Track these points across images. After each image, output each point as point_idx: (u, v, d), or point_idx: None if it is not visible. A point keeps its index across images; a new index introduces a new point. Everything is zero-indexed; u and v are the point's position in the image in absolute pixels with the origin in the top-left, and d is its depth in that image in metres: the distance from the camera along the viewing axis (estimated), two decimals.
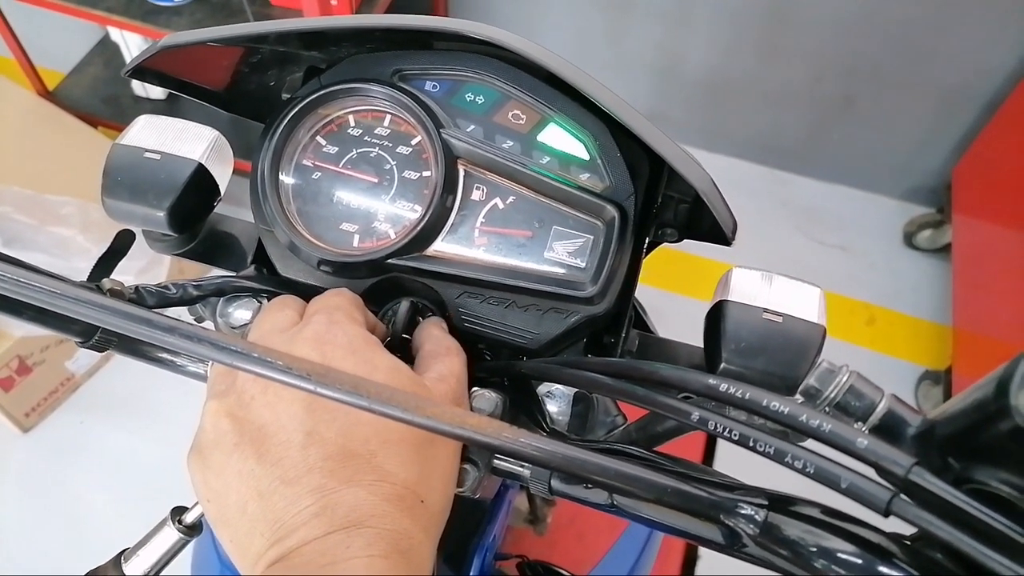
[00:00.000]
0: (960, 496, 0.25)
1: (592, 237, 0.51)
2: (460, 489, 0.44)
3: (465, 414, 0.33)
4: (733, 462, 0.44)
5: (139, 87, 2.16)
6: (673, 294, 2.01)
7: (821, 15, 1.91)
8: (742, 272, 0.48)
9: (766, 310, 0.46)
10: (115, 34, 2.06)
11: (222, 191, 0.56)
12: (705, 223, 0.55)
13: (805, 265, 2.14)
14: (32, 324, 0.44)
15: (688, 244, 0.58)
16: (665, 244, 0.57)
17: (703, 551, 1.15)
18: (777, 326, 0.46)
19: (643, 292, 0.57)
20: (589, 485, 0.43)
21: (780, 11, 1.94)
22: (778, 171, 2.33)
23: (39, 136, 1.88)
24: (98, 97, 2.17)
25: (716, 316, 0.47)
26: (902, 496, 0.26)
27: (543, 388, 0.52)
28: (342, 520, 0.35)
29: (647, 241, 0.55)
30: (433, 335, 0.49)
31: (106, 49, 2.24)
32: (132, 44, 2.03)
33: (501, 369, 0.51)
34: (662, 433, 0.44)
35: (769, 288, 0.48)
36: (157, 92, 2.15)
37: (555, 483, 0.45)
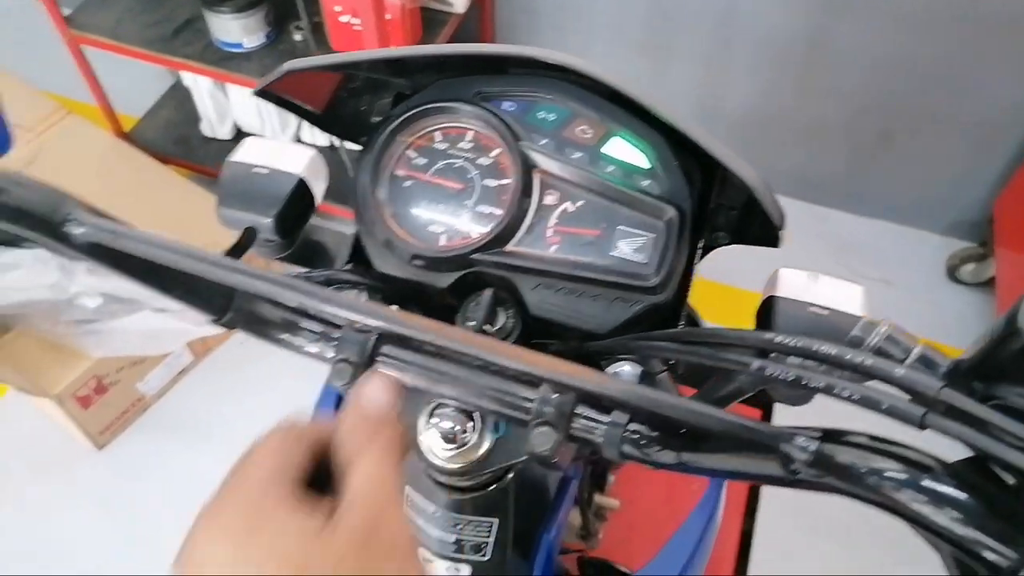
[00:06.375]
0: (984, 408, 0.31)
1: (654, 235, 0.57)
2: (544, 450, 0.46)
3: (553, 360, 0.39)
4: None
5: (207, 128, 2.31)
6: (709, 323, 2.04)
7: (857, 53, 1.96)
8: (788, 271, 0.54)
9: (813, 304, 0.51)
10: (187, 79, 2.21)
11: (318, 202, 0.64)
12: (754, 227, 0.61)
13: None
14: (172, 300, 0.51)
15: (723, 274, 0.63)
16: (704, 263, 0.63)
17: (755, 551, 1.18)
18: (824, 319, 0.51)
19: None
20: (659, 447, 0.46)
21: (817, 50, 2.00)
22: (817, 206, 2.35)
23: (116, 174, 2.03)
24: (170, 138, 2.33)
25: (766, 310, 0.52)
26: (934, 412, 0.32)
27: (610, 370, 0.57)
28: None
29: (701, 244, 0.61)
30: (343, 428, 0.38)
31: (177, 93, 2.40)
32: (204, 88, 2.18)
33: (570, 353, 0.57)
34: (720, 398, 0.49)
35: (815, 285, 0.53)
36: (224, 132, 2.29)
37: (626, 447, 0.49)
